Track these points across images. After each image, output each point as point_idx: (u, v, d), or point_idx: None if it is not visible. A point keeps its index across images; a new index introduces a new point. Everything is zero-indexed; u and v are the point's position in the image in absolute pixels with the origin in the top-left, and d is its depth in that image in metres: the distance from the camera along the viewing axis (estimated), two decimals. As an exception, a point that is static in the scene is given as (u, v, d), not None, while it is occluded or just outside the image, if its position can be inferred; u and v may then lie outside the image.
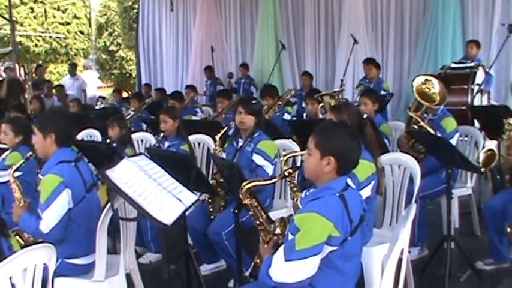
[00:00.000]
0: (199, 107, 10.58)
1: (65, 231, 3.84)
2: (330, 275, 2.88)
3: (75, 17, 29.84)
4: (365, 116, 4.34)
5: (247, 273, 4.65)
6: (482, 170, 4.99)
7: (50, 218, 3.74)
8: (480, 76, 8.10)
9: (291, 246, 2.78)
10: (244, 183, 3.52)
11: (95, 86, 15.20)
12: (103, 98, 14.66)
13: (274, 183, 3.52)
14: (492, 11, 10.00)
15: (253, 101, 5.26)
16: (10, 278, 2.43)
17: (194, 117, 9.18)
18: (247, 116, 5.00)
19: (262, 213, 3.58)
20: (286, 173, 3.47)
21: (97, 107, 12.26)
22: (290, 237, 2.82)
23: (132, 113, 9.21)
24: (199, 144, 6.21)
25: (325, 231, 2.76)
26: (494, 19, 9.93)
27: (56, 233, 3.77)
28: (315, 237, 2.75)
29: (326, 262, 2.84)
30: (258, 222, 3.55)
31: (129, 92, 14.26)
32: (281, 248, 2.85)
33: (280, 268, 2.80)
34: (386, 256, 2.98)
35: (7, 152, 5.40)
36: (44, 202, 3.75)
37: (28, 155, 4.42)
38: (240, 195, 3.51)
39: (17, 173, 4.45)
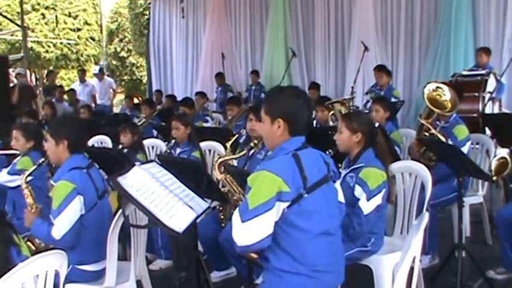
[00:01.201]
0: (209, 114, 10.58)
1: (77, 238, 3.85)
2: (290, 233, 2.95)
3: (86, 23, 30.05)
4: (376, 124, 4.33)
5: (257, 281, 4.66)
6: (494, 178, 4.96)
7: (62, 225, 3.76)
8: (491, 84, 8.07)
9: (244, 206, 2.88)
10: (216, 159, 3.64)
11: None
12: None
13: (244, 155, 3.61)
14: (504, 19, 9.97)
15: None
16: (22, 284, 2.43)
17: (205, 124, 9.19)
18: (258, 123, 5.00)
19: (239, 188, 3.62)
20: (252, 144, 3.54)
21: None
22: None
23: (143, 119, 9.22)
24: (210, 151, 6.22)
25: (274, 186, 2.86)
26: (506, 27, 9.91)
27: (67, 239, 3.78)
28: (265, 193, 2.85)
29: (284, 221, 2.93)
30: (235, 198, 3.59)
31: (140, 98, 14.25)
32: (236, 211, 2.94)
33: (239, 231, 2.89)
34: (398, 264, 2.97)
35: (18, 157, 5.42)
36: (56, 208, 3.77)
37: (40, 161, 4.44)
38: (214, 172, 3.58)
39: (28, 178, 4.47)
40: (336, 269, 3.14)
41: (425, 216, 2.90)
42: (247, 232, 2.85)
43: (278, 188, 2.86)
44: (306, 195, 2.94)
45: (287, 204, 2.90)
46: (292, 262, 2.97)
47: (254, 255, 3.32)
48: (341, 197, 3.30)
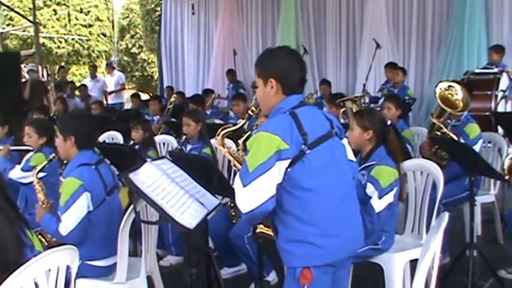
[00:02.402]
0: (221, 111, 10.55)
1: (84, 234, 3.87)
2: (297, 194, 2.86)
3: (97, 19, 30.14)
4: (389, 122, 4.32)
5: (268, 278, 4.67)
6: (507, 177, 4.93)
7: (68, 221, 3.78)
8: (504, 82, 8.04)
9: (245, 171, 2.81)
10: (218, 132, 3.62)
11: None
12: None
13: (243, 124, 3.62)
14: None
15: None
16: (34, 279, 2.44)
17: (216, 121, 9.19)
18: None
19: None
20: (250, 112, 3.56)
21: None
22: None
23: (155, 118, 9.23)
24: (221, 147, 6.20)
25: (273, 145, 2.79)
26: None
27: (74, 235, 3.79)
28: (263, 153, 2.78)
29: (289, 182, 2.85)
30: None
31: (151, 95, 14.22)
32: (237, 177, 2.87)
33: (241, 196, 2.82)
34: (417, 265, 2.88)
35: (31, 153, 5.44)
36: (64, 205, 3.79)
37: (51, 156, 4.46)
38: (217, 145, 3.55)
39: (41, 174, 4.50)
40: (348, 234, 3.00)
41: (446, 217, 2.86)
42: (249, 196, 2.78)
43: (277, 146, 2.78)
44: (308, 151, 2.85)
45: (288, 161, 2.81)
46: (299, 226, 2.87)
47: (264, 230, 3.31)
48: (351, 155, 3.23)
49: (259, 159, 2.77)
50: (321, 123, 3.02)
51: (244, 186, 2.79)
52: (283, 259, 2.99)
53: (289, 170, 2.83)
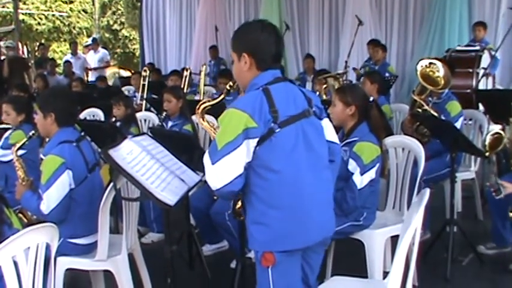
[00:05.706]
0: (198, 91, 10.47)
1: (66, 212, 3.83)
2: (263, 174, 2.77)
3: (78, -5, 29.73)
4: (371, 98, 4.31)
5: (249, 254, 4.68)
6: (487, 154, 4.95)
7: (50, 199, 3.74)
8: (485, 59, 8.06)
9: (213, 148, 2.74)
10: (198, 105, 3.54)
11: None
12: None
13: (223, 99, 3.57)
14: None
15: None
16: (13, 257, 2.43)
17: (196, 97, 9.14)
18: None
19: None
20: (227, 87, 3.46)
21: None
22: None
23: (137, 95, 9.16)
24: (202, 124, 6.17)
25: (241, 122, 2.71)
26: (502, 2, 9.91)
27: (56, 213, 3.75)
28: (232, 131, 2.70)
29: (256, 161, 2.77)
30: None
31: (132, 72, 14.09)
32: (206, 153, 2.79)
33: (210, 173, 2.75)
34: (399, 241, 2.88)
35: (10, 131, 5.37)
36: (45, 183, 3.74)
37: (31, 133, 4.39)
38: (196, 117, 3.53)
39: (21, 152, 4.44)
40: (315, 221, 2.89)
41: (427, 193, 2.87)
42: (218, 174, 2.71)
43: (244, 124, 2.70)
44: (278, 129, 2.75)
45: (256, 140, 2.73)
46: (261, 207, 2.81)
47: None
48: (332, 136, 3.11)
49: (227, 137, 2.70)
50: (295, 101, 2.90)
51: (212, 163, 2.72)
52: (248, 241, 2.96)
53: (257, 148, 2.75)
